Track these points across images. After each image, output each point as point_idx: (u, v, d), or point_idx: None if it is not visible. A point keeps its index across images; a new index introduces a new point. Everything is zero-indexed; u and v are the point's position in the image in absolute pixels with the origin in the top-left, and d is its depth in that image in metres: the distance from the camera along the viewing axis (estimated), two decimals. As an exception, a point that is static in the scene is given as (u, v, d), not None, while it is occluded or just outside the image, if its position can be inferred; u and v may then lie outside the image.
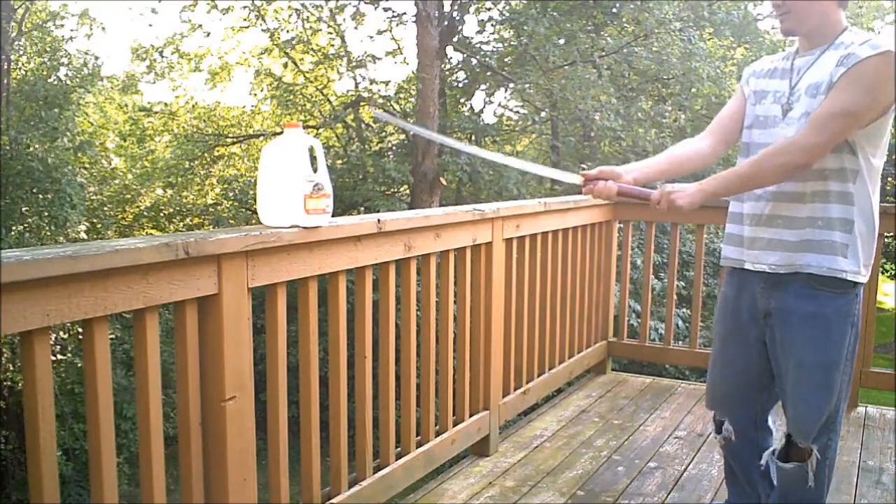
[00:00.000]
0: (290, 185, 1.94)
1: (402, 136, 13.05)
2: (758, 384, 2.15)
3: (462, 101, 14.14)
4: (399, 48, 13.31)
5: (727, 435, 2.23)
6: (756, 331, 2.07)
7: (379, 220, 2.31)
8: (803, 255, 1.93)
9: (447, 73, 13.23)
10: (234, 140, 14.92)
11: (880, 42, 1.78)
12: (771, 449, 2.21)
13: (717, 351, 2.23)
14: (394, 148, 13.29)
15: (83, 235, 11.06)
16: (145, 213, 14.72)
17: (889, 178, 18.88)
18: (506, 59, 13.05)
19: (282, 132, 1.98)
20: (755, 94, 2.05)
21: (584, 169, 2.04)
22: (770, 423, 2.25)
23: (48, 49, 13.76)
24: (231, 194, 14.24)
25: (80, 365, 8.93)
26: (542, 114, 14.01)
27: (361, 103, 13.33)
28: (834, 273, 1.90)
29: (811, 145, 1.81)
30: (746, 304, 2.07)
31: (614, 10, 12.58)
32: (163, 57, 14.68)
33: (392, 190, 12.61)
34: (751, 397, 2.19)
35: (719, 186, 1.95)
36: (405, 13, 12.59)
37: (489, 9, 13.19)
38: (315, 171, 1.97)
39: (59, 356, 9.55)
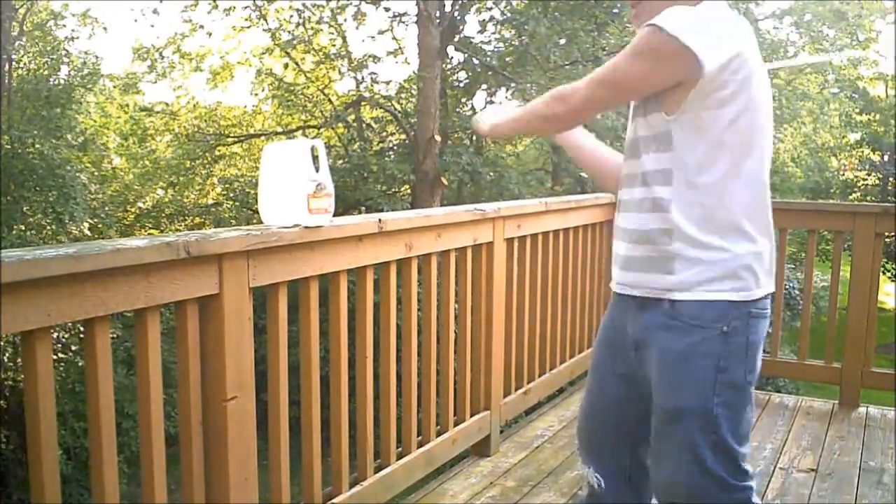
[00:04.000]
0: (292, 184, 1.94)
1: (403, 136, 13.06)
2: (627, 429, 1.77)
3: (463, 100, 14.16)
4: (400, 48, 13.33)
5: (595, 483, 1.80)
6: (628, 364, 1.72)
7: (380, 220, 2.31)
8: (634, 274, 1.64)
9: (448, 72, 13.24)
10: (235, 140, 14.93)
11: (661, 18, 1.49)
12: None
13: (590, 382, 1.86)
14: (395, 147, 13.30)
15: (87, 232, 11.08)
16: (146, 213, 14.74)
17: (890, 179, 18.90)
18: (507, 59, 13.06)
19: (283, 132, 1.98)
20: None
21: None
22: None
23: (49, 48, 13.78)
24: (232, 194, 14.26)
25: (81, 364, 8.94)
26: (544, 113, 13.99)
27: (363, 103, 13.34)
28: (657, 294, 1.59)
29: (564, 95, 1.61)
30: (622, 331, 1.72)
31: (616, 10, 12.58)
32: (163, 57, 14.70)
33: (393, 189, 12.62)
34: (620, 443, 1.79)
35: (509, 122, 1.83)
36: (406, 13, 12.61)
37: (490, 8, 13.20)
38: (317, 170, 1.97)
39: (61, 354, 9.56)
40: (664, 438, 1.62)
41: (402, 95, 13.30)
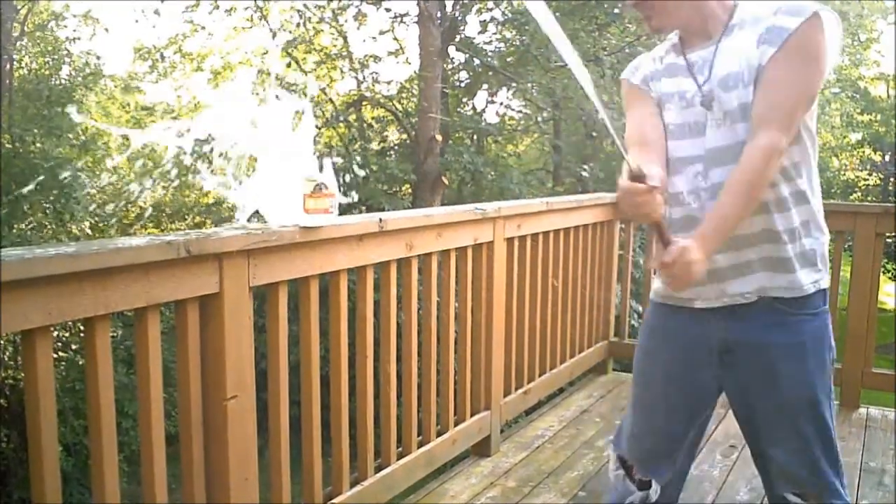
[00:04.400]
0: (290, 184, 1.95)
1: (404, 136, 13.06)
2: (695, 437, 1.77)
3: (464, 100, 14.15)
4: (401, 48, 13.33)
5: (651, 499, 1.79)
6: (710, 371, 1.67)
7: (381, 220, 2.31)
8: (764, 275, 1.57)
9: (449, 72, 13.23)
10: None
11: (797, 7, 1.48)
12: None
13: (650, 396, 1.78)
14: (396, 147, 13.30)
15: (88, 231, 11.08)
16: (147, 213, 14.73)
17: (891, 179, 18.88)
18: (508, 59, 13.05)
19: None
20: (662, 98, 1.65)
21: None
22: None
23: (50, 49, 13.80)
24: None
25: (81, 362, 8.94)
26: (545, 113, 14.01)
27: (364, 103, 13.35)
28: (798, 292, 1.59)
29: (784, 145, 1.47)
30: (698, 338, 1.66)
31: (616, 11, 12.57)
32: (164, 58, 14.71)
33: (394, 189, 12.62)
34: (687, 453, 1.78)
35: (721, 230, 1.48)
36: (407, 13, 12.61)
37: (491, 9, 13.19)
38: (321, 170, 1.98)
39: (61, 353, 9.56)
40: (800, 430, 1.60)
41: (403, 95, 13.31)
